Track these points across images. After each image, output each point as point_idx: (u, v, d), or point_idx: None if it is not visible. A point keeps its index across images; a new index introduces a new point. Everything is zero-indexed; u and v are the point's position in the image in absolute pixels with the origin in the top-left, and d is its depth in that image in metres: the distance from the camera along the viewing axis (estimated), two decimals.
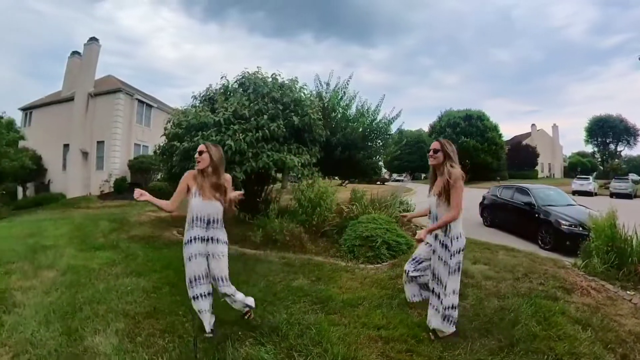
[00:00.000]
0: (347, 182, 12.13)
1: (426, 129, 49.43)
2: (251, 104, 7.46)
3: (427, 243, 3.14)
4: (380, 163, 13.77)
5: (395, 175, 49.79)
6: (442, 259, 3.02)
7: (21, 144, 20.51)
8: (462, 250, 3.03)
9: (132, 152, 21.13)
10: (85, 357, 2.78)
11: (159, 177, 18.35)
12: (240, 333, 3.09)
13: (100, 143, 20.73)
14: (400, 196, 8.83)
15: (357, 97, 10.72)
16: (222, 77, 8.67)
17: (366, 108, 10.60)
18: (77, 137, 20.61)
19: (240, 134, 6.96)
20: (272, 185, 9.49)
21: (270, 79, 8.32)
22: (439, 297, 3.05)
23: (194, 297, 3.04)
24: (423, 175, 52.65)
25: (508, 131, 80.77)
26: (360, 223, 6.30)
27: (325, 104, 9.77)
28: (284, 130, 7.38)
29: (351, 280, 4.68)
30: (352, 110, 10.72)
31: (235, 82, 8.63)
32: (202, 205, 3.00)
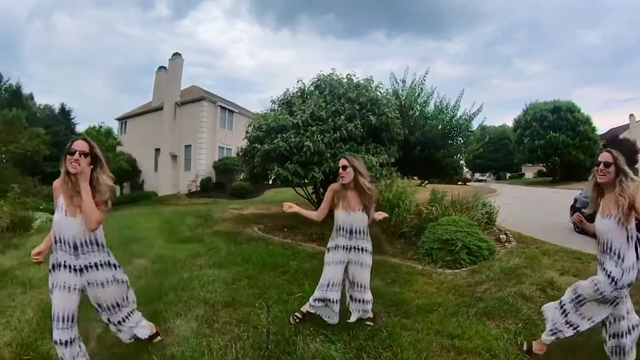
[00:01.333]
0: (426, 182, 11.59)
1: (510, 123, 45.25)
2: (328, 105, 7.51)
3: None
4: (462, 162, 12.91)
5: (477, 175, 46.70)
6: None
7: (118, 149, 22.99)
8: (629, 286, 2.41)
9: (216, 154, 22.61)
10: (166, 336, 2.95)
11: (241, 177, 19.31)
12: (312, 329, 3.04)
13: (187, 147, 22.55)
14: (483, 198, 8.22)
15: (434, 93, 10.08)
16: (298, 81, 8.90)
17: (445, 104, 9.99)
18: (166, 142, 22.67)
19: (318, 135, 7.02)
20: None
21: (345, 80, 8.30)
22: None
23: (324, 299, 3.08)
24: (508, 174, 49.05)
25: (602, 123, 71.22)
26: (439, 225, 5.93)
27: (402, 102, 9.45)
28: (362, 130, 7.29)
29: (427, 284, 4.39)
30: (431, 107, 10.16)
31: (311, 84, 8.76)
32: (346, 216, 3.05)
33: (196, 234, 7.88)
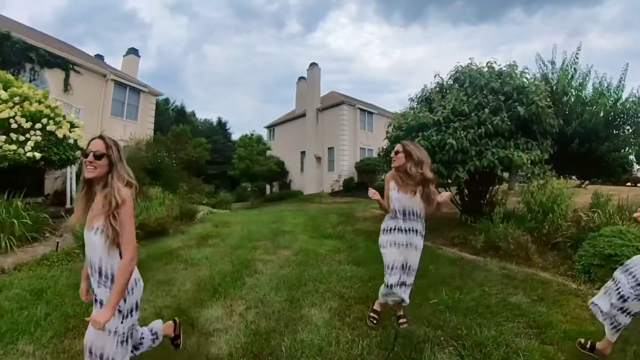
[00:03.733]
0: (586, 182, 9.75)
1: None
2: (470, 99, 6.98)
3: None
4: (631, 157, 10.33)
5: None
6: None
7: (268, 153, 25.47)
8: None
9: (358, 155, 23.35)
10: (299, 322, 3.23)
11: (382, 177, 19.45)
12: (442, 338, 2.93)
13: (330, 149, 23.86)
14: None
15: (591, 72, 8.25)
16: (435, 76, 8.43)
17: (605, 85, 8.03)
18: (311, 145, 24.45)
19: (462, 132, 6.57)
20: (497, 186, 8.57)
21: (486, 69, 7.58)
22: None
23: (391, 285, 3.09)
24: None
25: None
26: (602, 237, 4.86)
27: (554, 88, 8.09)
28: (509, 123, 6.53)
29: (580, 307, 3.65)
30: (588, 91, 8.29)
31: (450, 78, 8.26)
32: (400, 198, 3.11)
33: (337, 231, 8.22)
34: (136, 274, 2.05)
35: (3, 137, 7.15)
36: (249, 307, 3.65)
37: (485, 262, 5.29)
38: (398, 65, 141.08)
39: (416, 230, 3.09)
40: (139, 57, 21.81)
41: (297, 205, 17.42)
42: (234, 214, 12.91)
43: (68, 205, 10.39)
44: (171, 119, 34.90)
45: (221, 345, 2.88)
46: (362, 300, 3.75)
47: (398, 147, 3.12)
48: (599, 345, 2.64)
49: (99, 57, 21.47)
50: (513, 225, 5.93)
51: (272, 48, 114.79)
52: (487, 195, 8.28)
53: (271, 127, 31.21)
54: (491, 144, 6.54)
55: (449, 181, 7.06)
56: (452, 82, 8.15)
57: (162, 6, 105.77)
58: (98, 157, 1.94)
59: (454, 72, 8.17)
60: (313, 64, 25.62)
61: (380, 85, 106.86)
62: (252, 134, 24.29)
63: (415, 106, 8.65)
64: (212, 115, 65.55)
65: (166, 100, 38.50)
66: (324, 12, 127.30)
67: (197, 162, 21.71)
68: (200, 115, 45.28)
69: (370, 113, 24.92)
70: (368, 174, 21.40)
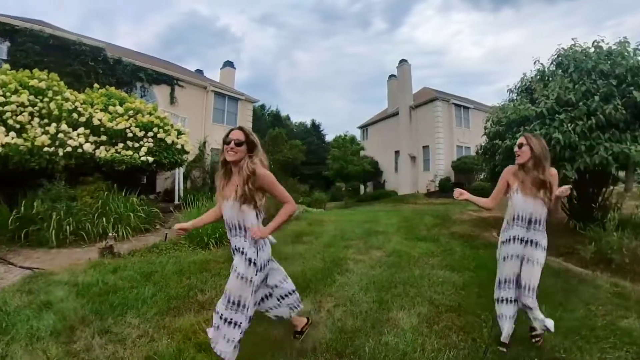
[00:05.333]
0: None
1: None
2: (576, 86, 6.16)
3: None
4: None
5: None
6: None
7: (362, 153, 25.53)
8: None
9: (454, 153, 22.26)
10: (386, 325, 3.19)
11: (481, 177, 18.36)
12: (536, 359, 2.65)
13: (425, 148, 23.12)
14: None
15: None
16: (534, 62, 7.62)
17: None
18: (404, 144, 23.94)
19: (568, 124, 5.84)
20: (612, 188, 7.47)
21: (592, 50, 6.63)
22: None
23: (498, 300, 2.88)
24: None
25: None
26: None
27: None
28: (624, 112, 5.59)
29: None
30: None
31: (551, 63, 7.39)
32: (523, 203, 2.79)
33: (432, 233, 7.93)
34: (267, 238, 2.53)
35: (121, 145, 8.68)
36: (338, 304, 3.73)
37: (594, 277, 4.65)
38: (492, 54, 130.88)
39: (537, 243, 2.80)
40: (235, 68, 23.86)
41: (391, 205, 17.24)
42: (328, 213, 13.26)
43: (176, 202, 11.81)
44: (268, 123, 37.18)
45: (306, 339, 2.98)
46: (454, 309, 3.57)
47: (522, 139, 2.87)
48: None
49: (199, 71, 24.24)
50: (630, 234, 5.13)
51: (359, 48, 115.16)
52: (600, 198, 7.19)
53: (364, 127, 31.37)
54: (603, 138, 5.71)
55: None
56: (554, 68, 7.33)
57: (250, 20, 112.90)
58: (238, 144, 2.34)
59: (555, 56, 7.31)
60: (402, 61, 25.16)
61: (475, 76, 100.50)
62: (345, 135, 24.65)
63: (515, 98, 7.97)
64: (306, 118, 68.04)
65: (262, 106, 41.08)
66: (408, 7, 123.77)
67: (292, 163, 22.81)
68: (295, 119, 47.23)
69: (466, 108, 23.59)
70: (465, 174, 20.36)
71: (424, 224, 9.33)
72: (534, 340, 2.87)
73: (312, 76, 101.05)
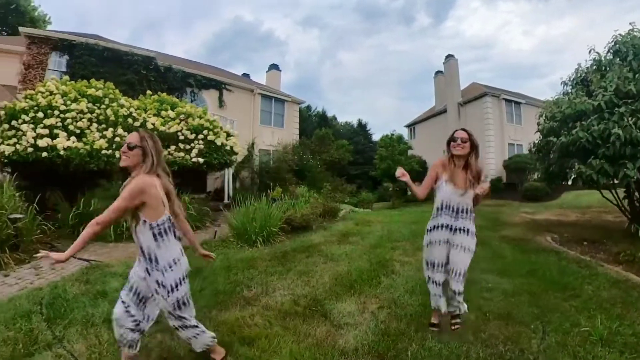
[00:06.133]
0: None
1: None
2: (636, 75, 5.73)
3: None
4: None
5: None
6: None
7: (409, 152, 24.95)
8: None
9: (506, 152, 21.27)
10: (430, 330, 3.11)
11: (535, 176, 17.49)
12: None
13: None
14: None
15: None
16: (590, 51, 7.16)
17: None
18: None
19: (629, 118, 5.44)
20: None
21: None
22: None
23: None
24: None
25: None
26: None
27: None
28: None
29: None
30: None
31: (608, 52, 6.94)
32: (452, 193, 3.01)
33: (482, 236, 7.53)
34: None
35: (173, 147, 9.29)
36: (382, 306, 3.72)
37: None
38: (544, 44, 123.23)
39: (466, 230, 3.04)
40: (280, 71, 24.50)
41: None
42: (375, 214, 13.17)
43: (226, 201, 12.29)
44: (314, 124, 37.51)
45: (349, 339, 3.00)
46: (502, 317, 3.40)
47: (462, 134, 3.08)
48: None
49: (245, 75, 25.20)
50: None
51: (404, 45, 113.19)
52: None
53: (411, 126, 30.67)
54: None
55: (615, 181, 5.94)
56: (611, 57, 6.88)
57: (293, 23, 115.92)
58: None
59: (612, 43, 6.87)
60: (449, 56, 24.41)
61: (527, 69, 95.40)
62: (392, 134, 24.27)
63: (569, 91, 7.59)
64: (352, 118, 68.03)
65: (308, 107, 41.38)
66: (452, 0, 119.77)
67: (339, 163, 22.82)
68: (341, 119, 47.33)
69: (518, 103, 22.40)
70: (518, 173, 19.47)
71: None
72: (454, 327, 3.03)
73: (357, 75, 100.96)
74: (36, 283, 4.51)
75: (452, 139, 3.00)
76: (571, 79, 7.71)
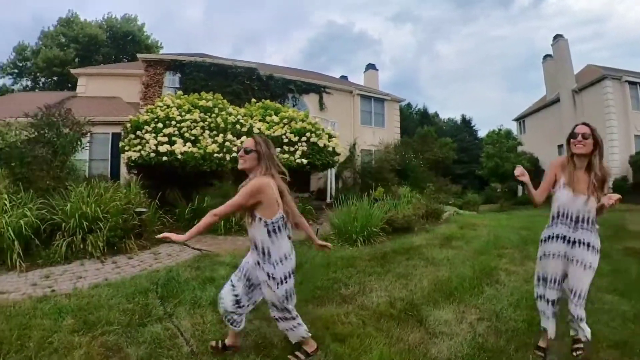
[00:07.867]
0: None
1: None
2: None
3: None
4: None
5: None
6: None
7: (519, 149, 23.12)
8: None
9: (632, 145, 18.58)
10: (533, 349, 2.90)
11: None
12: None
13: None
14: None
15: None
16: None
17: None
18: None
19: None
20: None
21: None
22: None
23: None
24: None
25: None
26: None
27: None
28: None
29: None
30: None
31: None
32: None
33: (603, 247, 6.80)
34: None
35: (278, 149, 9.97)
36: (482, 318, 3.54)
37: None
38: None
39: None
40: (377, 70, 24.74)
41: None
42: (481, 217, 12.49)
43: (328, 200, 12.83)
44: (415, 122, 36.81)
45: (442, 349, 2.94)
46: (618, 345, 2.99)
47: (584, 128, 2.68)
48: None
49: (343, 77, 25.92)
50: None
51: (504, 30, 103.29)
52: None
53: (520, 119, 28.15)
54: None
55: None
56: None
57: (384, 20, 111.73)
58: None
59: None
60: (557, 36, 22.14)
61: None
62: (499, 129, 22.74)
63: None
64: (455, 114, 64.89)
65: (409, 105, 40.65)
66: None
67: (443, 162, 22.05)
68: (443, 115, 45.40)
69: None
70: None
71: None
72: (575, 352, 2.60)
73: (456, 67, 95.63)
74: (154, 266, 5.35)
75: (571, 136, 2.64)
76: None
